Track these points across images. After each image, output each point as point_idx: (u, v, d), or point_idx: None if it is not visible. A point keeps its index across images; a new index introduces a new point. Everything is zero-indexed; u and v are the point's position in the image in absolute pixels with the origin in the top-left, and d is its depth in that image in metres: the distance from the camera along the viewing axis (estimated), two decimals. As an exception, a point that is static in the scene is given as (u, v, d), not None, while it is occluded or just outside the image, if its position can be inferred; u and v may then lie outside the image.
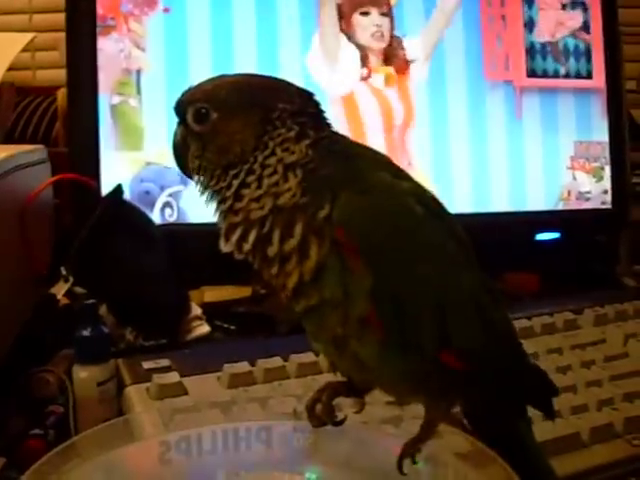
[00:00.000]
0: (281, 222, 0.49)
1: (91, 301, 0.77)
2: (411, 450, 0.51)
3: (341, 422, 0.55)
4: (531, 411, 0.68)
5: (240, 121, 0.50)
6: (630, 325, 0.93)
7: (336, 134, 0.53)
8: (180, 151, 0.54)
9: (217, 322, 0.96)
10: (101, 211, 0.88)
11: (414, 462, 0.51)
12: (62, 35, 1.02)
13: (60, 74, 1.05)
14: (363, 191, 0.48)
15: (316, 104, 0.53)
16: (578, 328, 0.92)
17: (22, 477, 0.47)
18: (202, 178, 0.52)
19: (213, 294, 1.03)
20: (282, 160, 0.50)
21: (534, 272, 1.14)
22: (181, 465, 0.55)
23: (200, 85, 0.53)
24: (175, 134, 0.54)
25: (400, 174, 0.52)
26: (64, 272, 0.87)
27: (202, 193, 0.53)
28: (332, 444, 0.56)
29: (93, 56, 1.01)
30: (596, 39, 1.23)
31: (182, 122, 0.53)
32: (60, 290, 0.87)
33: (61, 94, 1.25)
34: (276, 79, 0.54)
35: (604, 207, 1.22)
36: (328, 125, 0.53)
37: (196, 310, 0.92)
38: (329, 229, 0.48)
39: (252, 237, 0.49)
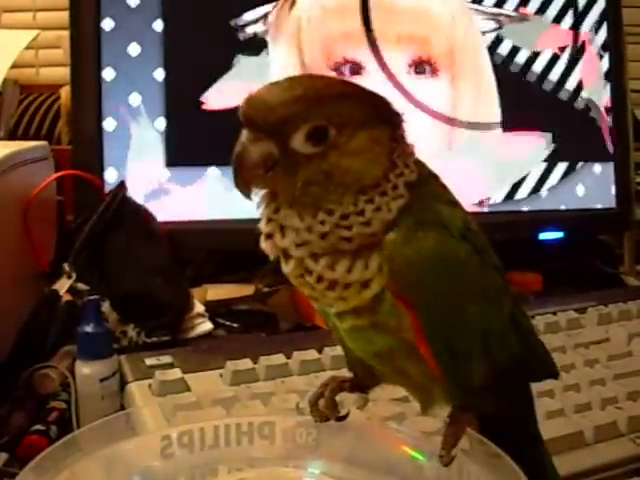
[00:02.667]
0: (367, 252, 0.45)
1: (94, 297, 0.77)
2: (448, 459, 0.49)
3: (344, 417, 0.54)
4: (537, 407, 0.69)
5: (365, 138, 0.45)
6: (634, 324, 0.93)
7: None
8: (257, 170, 0.45)
9: (219, 320, 0.96)
10: (104, 208, 0.88)
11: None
12: (66, 33, 1.02)
13: (64, 72, 1.05)
14: (417, 229, 0.45)
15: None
16: (582, 327, 0.91)
17: (23, 470, 0.47)
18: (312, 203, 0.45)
19: (216, 292, 1.03)
20: (405, 178, 0.46)
21: (538, 272, 1.14)
22: (183, 460, 0.54)
23: (299, 99, 0.44)
24: (248, 150, 0.44)
25: (450, 197, 0.50)
26: (67, 268, 0.87)
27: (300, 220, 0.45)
28: (335, 439, 0.56)
29: (97, 54, 1.01)
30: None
31: (276, 140, 0.44)
32: (63, 286, 0.87)
33: (64, 92, 1.26)
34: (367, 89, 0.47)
35: (608, 207, 1.22)
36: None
37: (199, 307, 0.92)
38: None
39: (343, 268, 0.45)
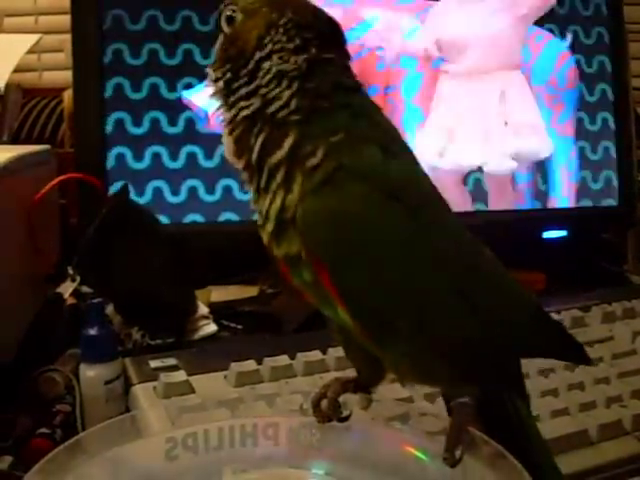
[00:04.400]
0: (270, 130, 0.49)
1: (98, 300, 0.77)
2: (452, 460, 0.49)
3: (346, 418, 0.54)
4: (539, 407, 0.69)
5: (253, 21, 0.51)
6: (638, 322, 0.92)
7: (348, 73, 0.52)
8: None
9: (224, 322, 0.96)
10: (107, 211, 0.88)
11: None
12: (68, 37, 1.02)
13: (66, 75, 1.05)
14: (334, 177, 0.47)
15: (339, 35, 0.52)
16: (586, 326, 0.91)
17: (28, 473, 0.47)
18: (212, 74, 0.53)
19: (220, 294, 1.03)
20: (275, 65, 0.50)
21: (541, 270, 1.14)
22: (188, 461, 0.54)
23: None
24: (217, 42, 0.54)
25: (392, 147, 0.50)
26: (71, 272, 0.87)
27: (211, 93, 0.53)
28: (339, 440, 0.55)
29: (99, 57, 1.01)
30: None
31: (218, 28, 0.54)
32: (67, 289, 0.87)
33: (67, 95, 1.26)
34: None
35: (611, 205, 1.22)
36: (338, 53, 0.52)
37: (203, 309, 0.93)
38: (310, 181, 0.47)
39: (236, 135, 0.50)
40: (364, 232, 0.47)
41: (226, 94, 0.51)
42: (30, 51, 1.25)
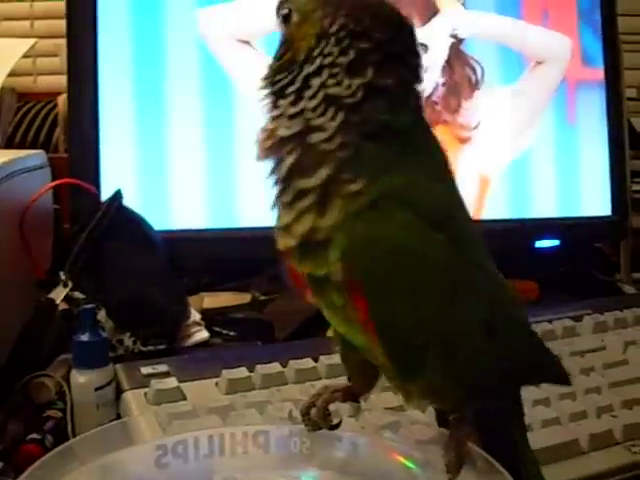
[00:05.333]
0: (305, 155, 0.46)
1: (90, 306, 0.77)
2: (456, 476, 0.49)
3: (336, 426, 0.54)
4: (531, 416, 0.69)
5: (308, 27, 0.47)
6: (629, 332, 0.93)
7: (407, 100, 0.48)
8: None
9: (216, 328, 0.96)
10: (100, 216, 0.88)
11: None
12: (63, 41, 1.02)
13: (61, 80, 1.05)
14: (385, 204, 0.45)
15: (407, 39, 0.48)
16: (577, 335, 0.91)
17: (18, 479, 0.47)
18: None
19: (212, 300, 1.03)
20: (325, 86, 0.46)
21: (534, 280, 1.14)
22: (178, 469, 0.54)
23: None
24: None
25: (440, 165, 0.50)
26: (63, 277, 0.87)
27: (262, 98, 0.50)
28: (329, 449, 0.56)
29: (94, 62, 1.01)
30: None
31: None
32: (59, 295, 0.87)
33: (62, 100, 1.26)
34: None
35: (604, 215, 1.22)
36: (408, 80, 0.48)
37: (195, 316, 0.93)
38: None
39: (269, 144, 0.48)
40: (407, 262, 0.45)
41: (271, 106, 0.49)
42: (25, 55, 1.24)
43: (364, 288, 0.45)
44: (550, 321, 0.93)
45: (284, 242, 0.48)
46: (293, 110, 0.47)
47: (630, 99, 1.35)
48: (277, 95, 0.48)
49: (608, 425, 0.71)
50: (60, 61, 1.26)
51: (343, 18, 0.46)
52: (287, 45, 0.48)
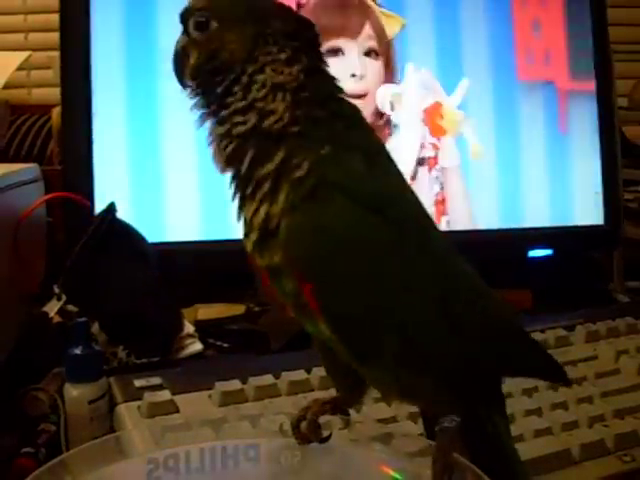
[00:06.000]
0: (263, 143, 0.49)
1: (83, 319, 0.77)
2: None
3: (326, 439, 0.55)
4: (523, 426, 0.70)
5: (236, 32, 0.51)
6: (622, 341, 0.93)
7: (329, 77, 0.53)
8: (179, 59, 0.54)
9: (210, 340, 0.96)
10: (94, 229, 0.88)
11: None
12: (57, 54, 1.03)
13: (55, 92, 1.05)
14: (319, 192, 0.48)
15: (314, 34, 0.53)
16: (570, 345, 0.92)
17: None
18: (193, 84, 0.53)
19: (206, 312, 1.04)
20: (270, 78, 0.50)
21: (527, 289, 1.15)
22: (169, 483, 0.55)
23: None
24: (177, 42, 0.54)
25: (378, 160, 0.52)
26: (57, 290, 0.87)
27: (193, 104, 0.53)
28: (320, 461, 0.56)
29: (87, 75, 1.01)
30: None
31: (185, 31, 0.53)
32: (53, 308, 0.87)
33: (56, 112, 1.26)
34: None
35: (597, 224, 1.22)
36: (322, 61, 0.53)
37: (189, 328, 0.93)
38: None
39: (228, 151, 0.50)
40: (345, 246, 0.47)
41: (216, 108, 0.51)
42: (20, 68, 1.25)
43: (307, 276, 0.47)
44: (543, 330, 0.93)
45: (249, 241, 0.50)
46: (244, 103, 0.50)
47: (621, 108, 1.35)
48: (223, 95, 0.51)
49: (600, 435, 0.71)
50: (54, 73, 1.27)
51: (276, 23, 0.51)
52: (209, 52, 0.51)
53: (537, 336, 0.91)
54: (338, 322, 0.48)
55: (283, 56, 0.50)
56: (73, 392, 0.72)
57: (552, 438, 0.70)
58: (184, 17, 0.53)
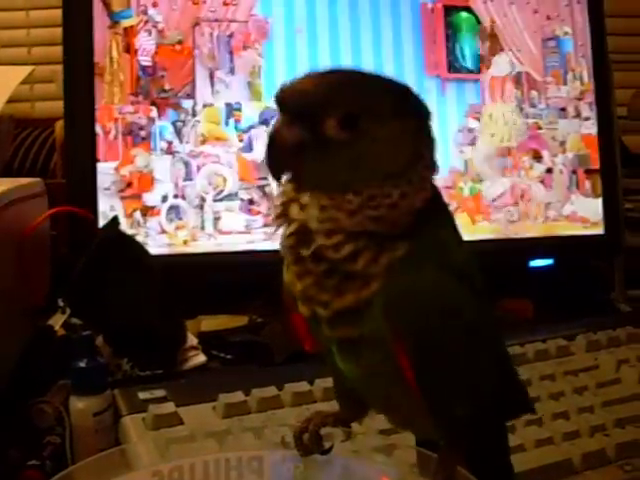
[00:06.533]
0: (379, 245, 0.46)
1: (88, 332, 0.77)
2: None
3: (328, 451, 0.55)
4: (524, 436, 0.70)
5: (396, 128, 0.46)
6: (622, 351, 0.93)
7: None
8: (291, 154, 0.46)
9: (214, 352, 0.97)
10: (98, 243, 0.89)
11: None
12: (60, 67, 1.04)
13: (58, 106, 1.06)
14: (418, 263, 0.46)
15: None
16: (571, 354, 0.92)
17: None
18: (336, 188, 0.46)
19: (210, 323, 1.04)
20: (430, 172, 0.48)
21: (528, 298, 1.15)
22: (174, 495, 0.55)
23: (331, 87, 0.46)
24: (282, 133, 0.46)
25: (455, 227, 0.52)
26: (61, 303, 0.88)
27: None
28: (322, 473, 0.56)
29: (90, 88, 1.02)
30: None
31: (308, 125, 0.46)
32: (57, 321, 0.88)
33: (59, 126, 1.27)
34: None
35: (598, 233, 1.23)
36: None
37: (192, 340, 0.93)
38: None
39: (348, 250, 0.46)
40: (443, 314, 0.47)
41: (357, 208, 0.46)
42: (23, 82, 1.25)
43: (408, 344, 0.46)
44: (544, 340, 0.94)
45: (311, 311, 0.48)
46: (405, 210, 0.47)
47: (621, 117, 1.36)
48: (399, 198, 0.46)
49: (601, 444, 0.71)
50: (57, 87, 1.27)
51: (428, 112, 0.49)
52: (353, 149, 0.46)
53: (538, 346, 0.92)
54: (429, 388, 0.47)
55: (434, 147, 0.49)
56: (78, 404, 0.73)
57: (553, 448, 0.71)
58: (310, 110, 0.46)
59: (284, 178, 0.48)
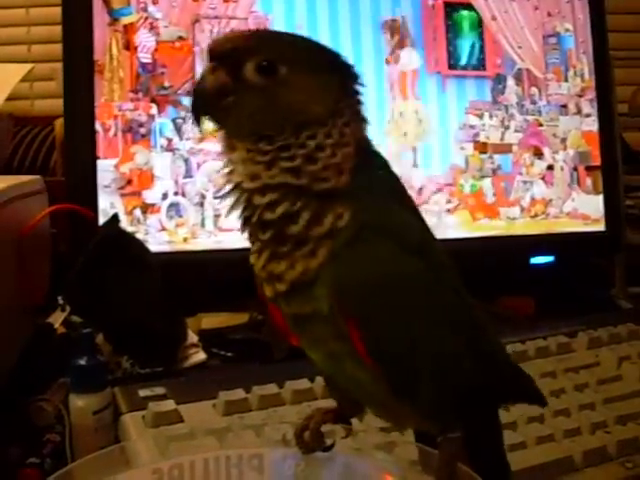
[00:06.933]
0: (317, 205, 0.46)
1: (88, 330, 0.77)
2: None
3: (329, 448, 0.55)
4: (525, 433, 0.70)
5: (318, 81, 0.48)
6: (623, 348, 0.93)
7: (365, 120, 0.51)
8: (209, 97, 0.48)
9: (214, 349, 0.97)
10: (97, 240, 0.88)
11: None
12: (59, 65, 1.03)
13: (58, 104, 1.06)
14: (367, 237, 0.46)
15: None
16: (572, 351, 0.92)
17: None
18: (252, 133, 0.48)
19: (210, 321, 1.04)
20: (355, 134, 0.48)
21: (529, 296, 1.15)
22: (174, 493, 0.55)
23: (255, 35, 0.51)
24: (206, 77, 0.48)
25: (407, 197, 0.52)
26: (61, 301, 0.87)
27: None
28: (323, 470, 0.56)
29: (90, 86, 1.02)
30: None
31: (230, 70, 0.47)
32: (57, 319, 0.87)
33: (59, 124, 1.27)
34: None
35: (598, 230, 1.23)
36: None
37: (192, 338, 0.93)
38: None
39: (283, 208, 0.46)
40: (395, 289, 0.47)
41: (271, 159, 0.47)
42: (23, 80, 1.25)
43: (357, 320, 0.46)
44: (545, 337, 0.93)
45: (273, 289, 0.49)
46: (334, 160, 0.47)
47: (622, 114, 1.36)
48: (286, 148, 0.47)
49: (602, 441, 0.71)
50: (57, 85, 1.27)
51: (356, 72, 0.50)
52: (272, 94, 0.47)
53: (539, 343, 0.91)
54: (384, 360, 0.47)
55: (361, 108, 0.49)
56: (78, 402, 0.72)
57: (554, 445, 0.71)
58: (233, 56, 0.48)
59: (204, 123, 0.49)
